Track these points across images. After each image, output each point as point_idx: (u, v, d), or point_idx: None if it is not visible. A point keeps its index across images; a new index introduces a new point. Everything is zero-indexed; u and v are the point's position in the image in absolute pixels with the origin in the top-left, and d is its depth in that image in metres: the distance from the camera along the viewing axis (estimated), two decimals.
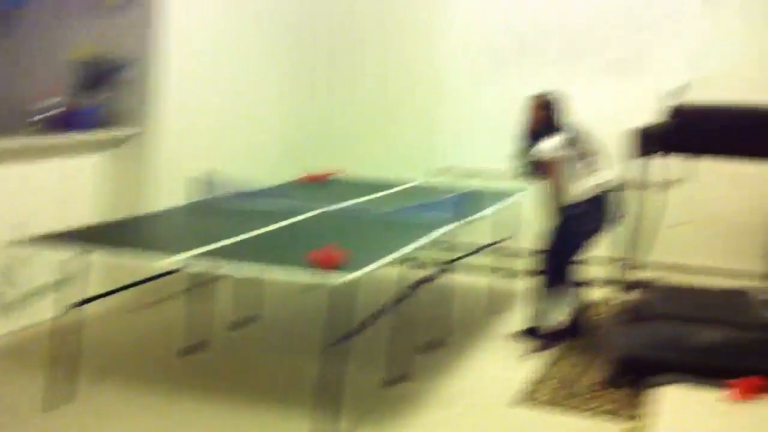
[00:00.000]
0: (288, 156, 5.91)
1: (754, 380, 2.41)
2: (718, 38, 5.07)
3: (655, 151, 3.90)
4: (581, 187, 4.04)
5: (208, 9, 5.01)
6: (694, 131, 3.50)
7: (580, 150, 4.09)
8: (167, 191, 4.50)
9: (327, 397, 2.98)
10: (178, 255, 2.99)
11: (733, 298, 4.16)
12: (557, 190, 4.10)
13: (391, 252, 3.12)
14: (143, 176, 4.65)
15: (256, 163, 5.49)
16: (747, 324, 3.68)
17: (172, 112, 4.69)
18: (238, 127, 5.38)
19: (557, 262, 4.12)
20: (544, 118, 4.13)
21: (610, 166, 4.13)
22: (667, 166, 4.18)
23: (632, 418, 3.22)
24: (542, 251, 4.18)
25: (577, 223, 4.06)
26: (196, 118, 4.93)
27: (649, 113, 4.33)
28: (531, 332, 4.18)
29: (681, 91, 4.20)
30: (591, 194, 4.05)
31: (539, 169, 4.13)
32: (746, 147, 3.50)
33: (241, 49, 5.36)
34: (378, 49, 5.91)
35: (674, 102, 3.92)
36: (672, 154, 4.19)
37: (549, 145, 4.02)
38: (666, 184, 4.41)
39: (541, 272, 4.17)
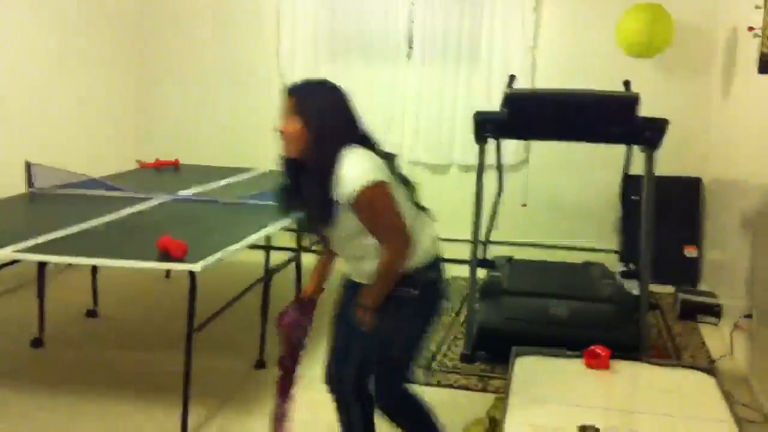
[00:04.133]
0: (121, 144, 5.66)
1: (600, 350, 2.55)
2: (544, 33, 5.40)
3: (491, 136, 4.06)
4: (418, 245, 2.29)
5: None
6: (523, 117, 3.72)
7: (402, 179, 2.32)
8: None
9: (191, 383, 2.88)
10: (21, 243, 2.86)
11: (579, 272, 4.43)
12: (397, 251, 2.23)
13: (240, 238, 3.06)
14: None
15: (85, 151, 5.23)
16: (592, 297, 3.95)
17: None
18: (62, 116, 5.08)
19: (393, 383, 2.42)
20: (325, 122, 2.22)
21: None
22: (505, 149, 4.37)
23: (492, 390, 3.38)
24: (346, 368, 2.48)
25: (420, 308, 2.35)
26: (10, 108, 4.61)
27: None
28: None
29: (511, 80, 4.47)
30: (430, 257, 2.35)
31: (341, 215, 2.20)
32: (568, 130, 3.79)
33: (58, 33, 5.03)
34: (217, 40, 5.80)
35: (506, 90, 4.13)
36: (506, 137, 4.48)
37: (358, 170, 2.14)
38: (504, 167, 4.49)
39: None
